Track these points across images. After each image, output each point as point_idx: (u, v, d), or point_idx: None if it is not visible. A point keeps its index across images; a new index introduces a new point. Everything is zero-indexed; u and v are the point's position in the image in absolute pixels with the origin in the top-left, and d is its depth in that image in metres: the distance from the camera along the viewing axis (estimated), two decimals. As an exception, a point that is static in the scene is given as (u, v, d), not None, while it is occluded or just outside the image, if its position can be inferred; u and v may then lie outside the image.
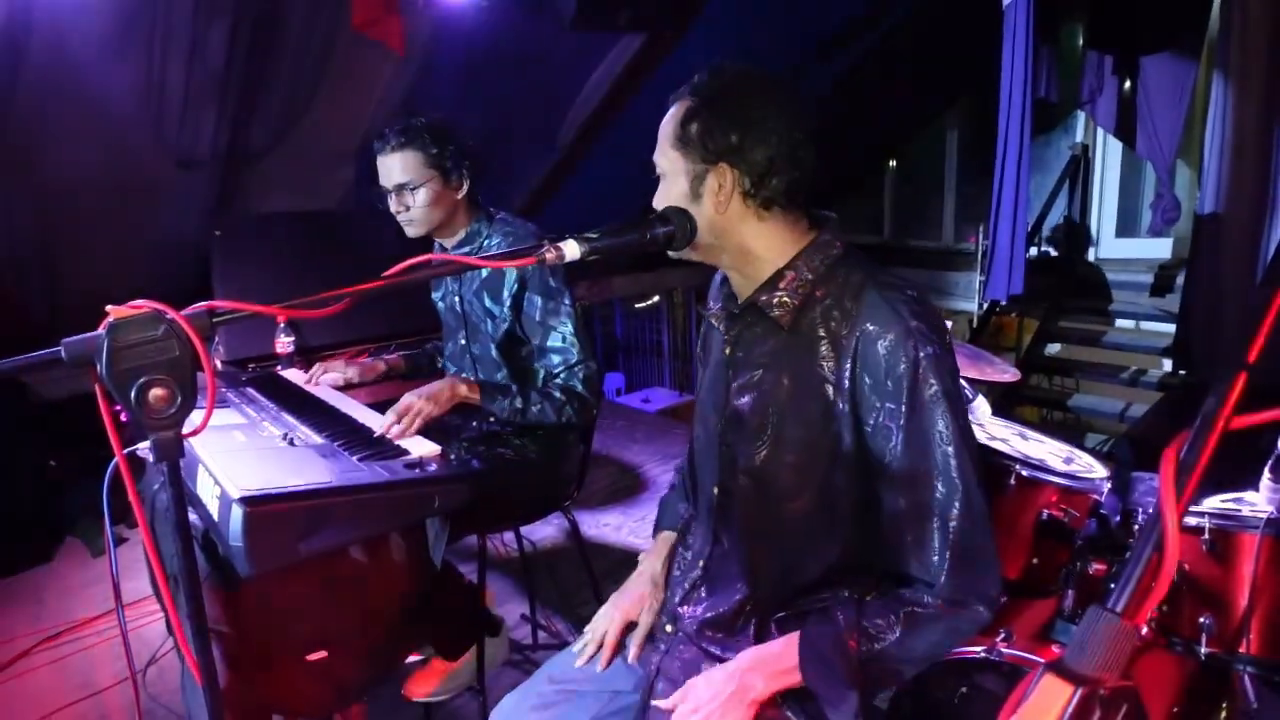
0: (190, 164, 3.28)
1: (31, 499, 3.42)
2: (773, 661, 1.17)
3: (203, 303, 0.80)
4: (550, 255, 0.96)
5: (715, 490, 1.31)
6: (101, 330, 0.76)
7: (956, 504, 1.10)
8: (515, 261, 0.95)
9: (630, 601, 1.42)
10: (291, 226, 3.12)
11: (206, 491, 1.36)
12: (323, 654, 1.59)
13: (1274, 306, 0.51)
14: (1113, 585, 1.59)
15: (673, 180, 1.18)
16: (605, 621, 1.42)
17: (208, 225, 3.36)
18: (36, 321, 3.51)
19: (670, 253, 1.17)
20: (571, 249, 0.98)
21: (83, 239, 3.29)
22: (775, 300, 1.18)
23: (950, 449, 1.09)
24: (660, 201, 1.20)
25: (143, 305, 0.77)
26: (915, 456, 1.10)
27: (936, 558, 1.11)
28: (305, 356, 2.84)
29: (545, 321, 1.96)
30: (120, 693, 2.51)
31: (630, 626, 1.42)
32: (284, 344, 2.78)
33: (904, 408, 1.09)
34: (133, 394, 0.77)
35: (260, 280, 2.91)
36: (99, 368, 0.76)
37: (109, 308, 0.77)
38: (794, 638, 1.17)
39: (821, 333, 1.15)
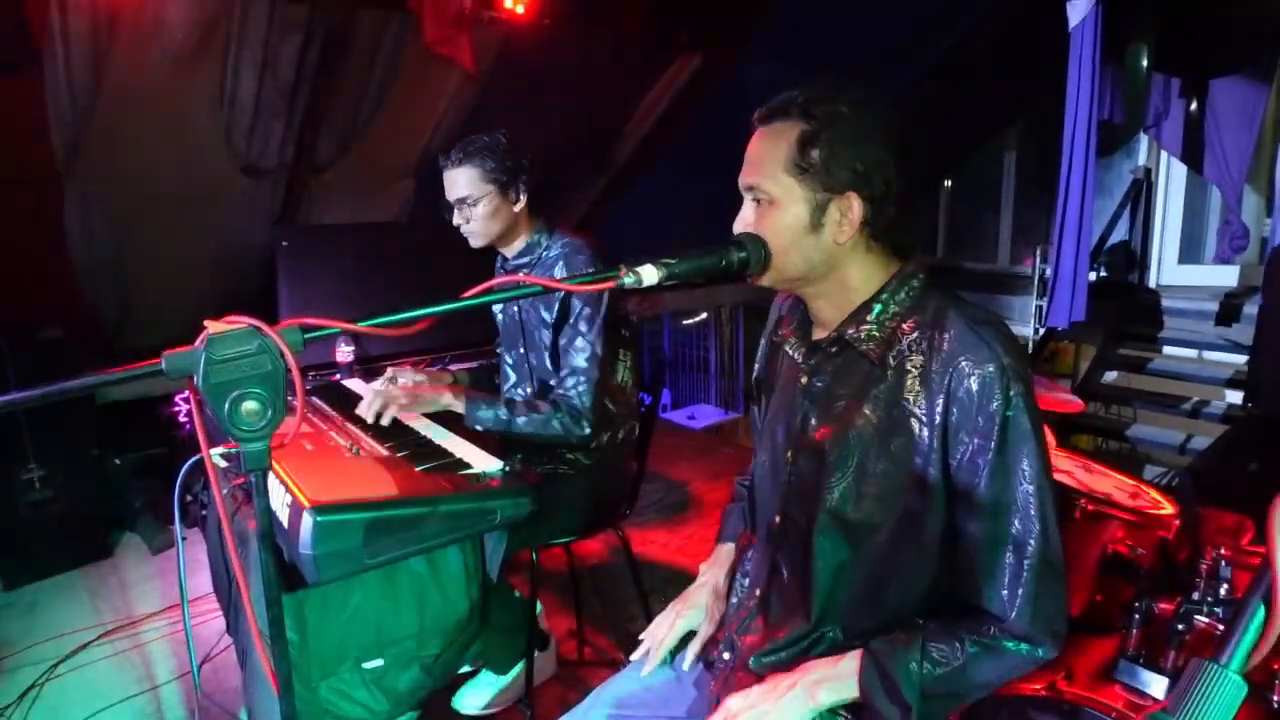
0: (257, 173, 3.38)
1: (94, 496, 3.54)
2: (834, 675, 1.16)
3: (294, 319, 0.83)
4: (629, 280, 0.97)
5: (777, 519, 1.30)
6: (200, 344, 0.79)
7: (1032, 542, 1.09)
8: (594, 286, 0.96)
9: (690, 608, 1.42)
10: (354, 238, 3.20)
11: (277, 499, 1.39)
12: (379, 662, 1.62)
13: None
14: (1177, 626, 1.52)
15: (787, 208, 1.14)
16: (664, 627, 1.41)
17: (272, 232, 3.46)
18: (107, 320, 3.64)
19: (746, 280, 1.16)
20: (649, 274, 0.98)
21: (154, 243, 3.41)
22: (863, 333, 1.17)
23: (1032, 488, 1.08)
24: (765, 228, 1.15)
25: (239, 320, 0.80)
26: (997, 492, 1.09)
27: (1007, 593, 1.10)
28: (364, 365, 2.90)
29: (575, 325, 1.99)
30: (174, 689, 2.57)
31: (690, 636, 1.42)
32: (344, 353, 2.85)
33: (993, 444, 1.08)
34: (227, 406, 0.79)
35: (324, 290, 2.98)
36: (196, 379, 0.79)
37: (207, 321, 0.80)
38: (858, 653, 1.16)
39: (909, 366, 1.14)
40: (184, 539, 3.51)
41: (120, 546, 3.63)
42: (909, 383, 1.13)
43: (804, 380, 1.26)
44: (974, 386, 1.08)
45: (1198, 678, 0.44)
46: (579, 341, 1.98)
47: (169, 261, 3.52)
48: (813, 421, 1.23)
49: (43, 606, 3.11)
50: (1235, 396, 4.44)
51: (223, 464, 1.68)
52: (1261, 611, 0.46)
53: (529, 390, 2.20)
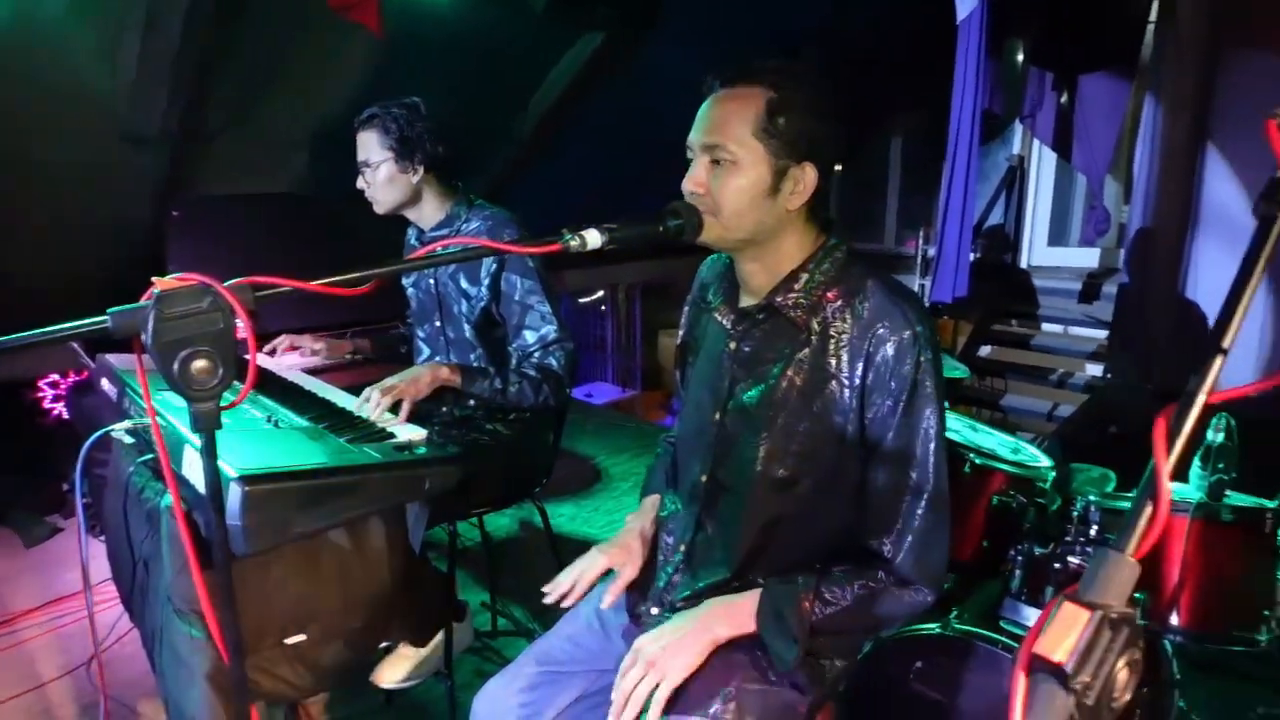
0: (140, 141, 3.19)
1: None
2: (732, 611, 1.25)
3: (245, 277, 0.83)
4: (575, 243, 1.01)
5: (703, 479, 1.36)
6: (148, 300, 0.78)
7: (926, 493, 1.20)
8: (540, 248, 0.99)
9: (615, 549, 1.46)
10: (251, 209, 3.08)
11: (196, 471, 1.36)
12: (301, 637, 1.60)
13: (1245, 291, 0.60)
14: (1054, 566, 1.68)
15: (750, 170, 1.19)
16: (586, 563, 1.44)
17: (156, 205, 3.28)
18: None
19: (688, 239, 1.20)
20: (593, 238, 1.02)
21: (20, 214, 3.16)
22: (791, 300, 1.25)
23: (931, 445, 1.20)
24: (723, 188, 1.19)
25: (190, 278, 0.79)
26: (903, 447, 1.20)
27: (898, 538, 1.21)
28: (260, 341, 2.80)
29: (525, 301, 2.01)
30: (64, 686, 2.45)
31: (608, 579, 1.45)
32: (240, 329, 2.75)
33: (902, 404, 1.18)
34: (176, 365, 0.78)
35: (217, 262, 2.86)
36: (144, 337, 0.77)
37: (155, 279, 0.79)
38: (756, 592, 1.25)
39: (833, 332, 1.22)
40: (61, 530, 3.36)
41: (-9, 540, 3.39)
42: (832, 347, 1.22)
43: (732, 345, 1.32)
44: (890, 352, 1.18)
45: (1103, 562, 0.54)
46: (541, 312, 2.02)
47: (35, 234, 3.27)
48: (740, 385, 1.30)
49: (-94, 607, 2.88)
50: (1096, 368, 4.85)
51: (128, 440, 1.61)
52: (1149, 507, 0.55)
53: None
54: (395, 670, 2.14)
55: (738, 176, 1.19)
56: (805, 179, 1.21)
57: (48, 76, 2.78)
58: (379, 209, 2.08)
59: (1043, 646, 0.49)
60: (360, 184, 2.06)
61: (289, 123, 3.53)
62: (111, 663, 2.51)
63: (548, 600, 1.42)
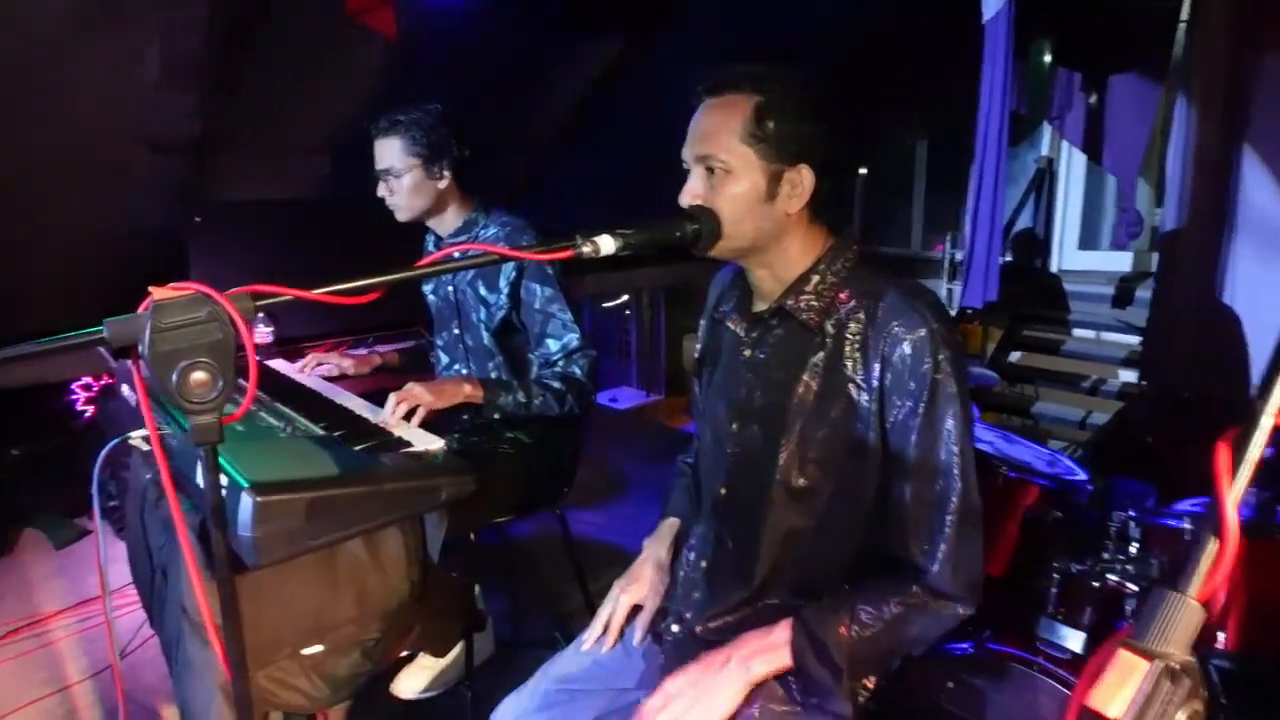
0: (160, 147, 3.20)
1: (-10, 489, 3.33)
2: (766, 645, 1.18)
3: (244, 286, 0.80)
4: (588, 249, 0.97)
5: (723, 491, 1.32)
6: (145, 311, 0.75)
7: (955, 499, 1.14)
8: (552, 254, 0.95)
9: (635, 585, 1.43)
10: (271, 215, 3.09)
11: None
12: (318, 648, 1.57)
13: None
14: (1092, 584, 1.61)
15: (743, 176, 1.17)
16: (611, 606, 1.43)
17: (176, 211, 3.29)
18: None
19: (695, 251, 1.18)
20: (607, 244, 0.99)
21: (41, 220, 3.18)
22: (803, 303, 1.21)
23: (956, 448, 1.14)
24: (719, 197, 1.18)
25: (187, 287, 0.77)
26: (926, 452, 1.14)
27: (930, 547, 1.15)
28: (281, 347, 2.80)
29: (546, 309, 1.98)
30: (88, 688, 2.45)
31: (636, 612, 1.44)
32: (262, 334, 2.75)
33: (923, 406, 1.13)
34: (174, 377, 0.75)
35: (239, 268, 2.87)
36: (141, 349, 0.75)
37: (152, 288, 0.76)
38: (789, 622, 1.19)
39: (847, 335, 1.18)
40: (88, 532, 3.38)
41: (19, 544, 3.42)
42: (847, 350, 1.18)
43: (746, 353, 1.29)
44: (907, 351, 1.13)
45: (1162, 604, 0.48)
46: (562, 320, 1.99)
47: (56, 241, 3.29)
48: (757, 393, 1.27)
49: (-64, 610, 2.91)
50: (1130, 375, 4.73)
51: (144, 447, 1.60)
52: (1214, 543, 0.50)
53: (465, 373, 2.17)
54: (415, 681, 2.12)
55: (732, 184, 1.17)
56: (802, 181, 1.18)
57: (64, 83, 2.79)
58: (401, 216, 2.05)
59: (1096, 700, 0.44)
60: (381, 191, 2.02)
61: (309, 129, 3.54)
62: (136, 665, 2.51)
63: (585, 649, 1.40)
